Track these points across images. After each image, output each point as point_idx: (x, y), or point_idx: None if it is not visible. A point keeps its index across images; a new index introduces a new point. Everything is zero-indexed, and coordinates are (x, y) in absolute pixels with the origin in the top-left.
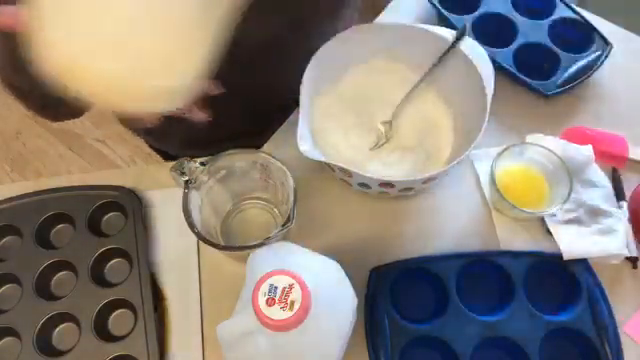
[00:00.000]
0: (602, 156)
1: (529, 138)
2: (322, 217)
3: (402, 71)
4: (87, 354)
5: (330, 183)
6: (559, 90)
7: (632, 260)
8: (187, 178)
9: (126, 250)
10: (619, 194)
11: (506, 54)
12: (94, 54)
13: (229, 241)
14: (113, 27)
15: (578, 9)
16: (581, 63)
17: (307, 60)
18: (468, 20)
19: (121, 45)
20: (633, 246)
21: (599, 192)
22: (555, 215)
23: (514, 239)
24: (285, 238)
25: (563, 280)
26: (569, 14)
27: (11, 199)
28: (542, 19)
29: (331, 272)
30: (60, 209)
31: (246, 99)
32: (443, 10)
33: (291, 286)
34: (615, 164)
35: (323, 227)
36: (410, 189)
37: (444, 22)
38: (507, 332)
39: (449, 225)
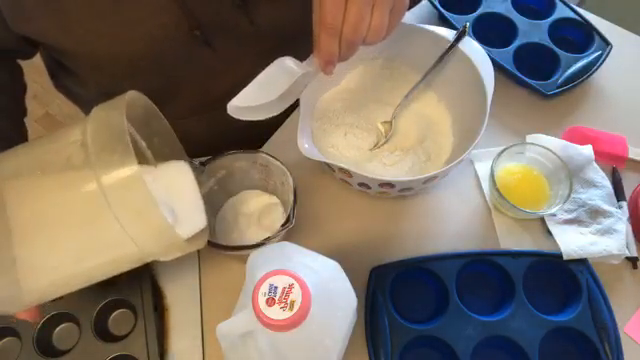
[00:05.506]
0: (602, 156)
1: (529, 138)
2: (322, 217)
3: (402, 71)
4: (87, 354)
5: (330, 183)
6: (559, 90)
7: (632, 260)
8: None
9: None
10: (619, 194)
11: (506, 54)
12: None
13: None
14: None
15: (578, 9)
16: (581, 63)
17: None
18: (468, 20)
19: None
20: (633, 246)
21: (599, 192)
22: (555, 215)
23: (514, 239)
24: (285, 238)
25: (563, 280)
26: (569, 14)
27: None
28: (542, 19)
29: (331, 272)
30: None
31: None
32: (443, 10)
33: (291, 286)
34: (615, 164)
35: (323, 227)
36: (410, 189)
37: (444, 22)
38: (507, 332)
39: (449, 225)
